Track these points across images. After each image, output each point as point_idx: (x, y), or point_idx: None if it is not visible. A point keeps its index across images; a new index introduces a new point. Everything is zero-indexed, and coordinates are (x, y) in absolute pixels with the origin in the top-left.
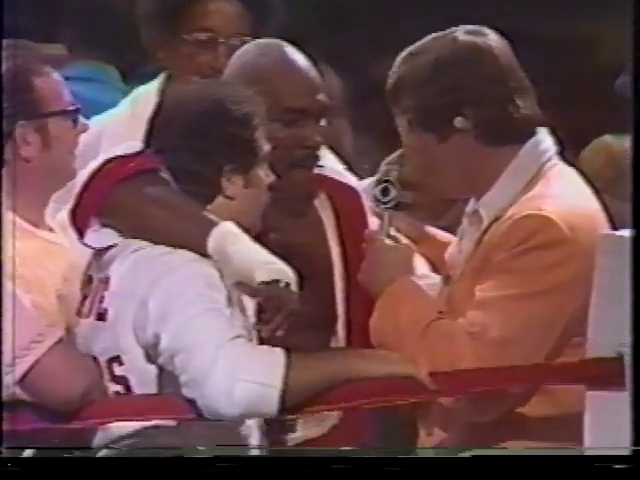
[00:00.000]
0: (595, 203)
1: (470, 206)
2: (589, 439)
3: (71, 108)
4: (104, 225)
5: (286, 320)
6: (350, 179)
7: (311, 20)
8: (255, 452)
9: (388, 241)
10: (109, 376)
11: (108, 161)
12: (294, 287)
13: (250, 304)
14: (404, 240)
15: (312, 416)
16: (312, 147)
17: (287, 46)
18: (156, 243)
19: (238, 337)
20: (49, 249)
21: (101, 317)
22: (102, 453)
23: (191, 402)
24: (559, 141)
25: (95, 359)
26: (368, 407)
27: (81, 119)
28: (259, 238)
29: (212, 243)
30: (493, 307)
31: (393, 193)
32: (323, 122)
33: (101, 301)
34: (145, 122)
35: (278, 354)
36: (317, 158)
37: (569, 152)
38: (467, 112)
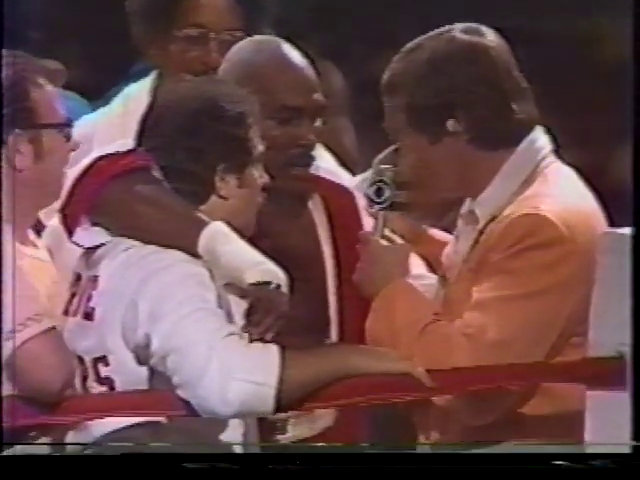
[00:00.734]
0: (592, 201)
1: (466, 206)
2: (589, 438)
3: (65, 122)
4: (94, 224)
5: (276, 322)
6: (344, 179)
7: (305, 15)
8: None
9: (383, 242)
10: (94, 376)
11: (99, 159)
12: (284, 289)
13: (239, 309)
14: (399, 240)
15: (304, 416)
16: (306, 146)
17: (284, 43)
18: (146, 242)
19: (231, 334)
20: (34, 265)
21: (88, 316)
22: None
23: (184, 401)
24: (555, 139)
25: (81, 359)
26: (364, 405)
27: (74, 135)
28: (252, 240)
29: (203, 243)
30: (490, 308)
31: (387, 193)
32: (319, 122)
33: (89, 300)
34: (137, 120)
35: (273, 351)
36: (312, 157)
37: (569, 152)
38: (460, 115)
